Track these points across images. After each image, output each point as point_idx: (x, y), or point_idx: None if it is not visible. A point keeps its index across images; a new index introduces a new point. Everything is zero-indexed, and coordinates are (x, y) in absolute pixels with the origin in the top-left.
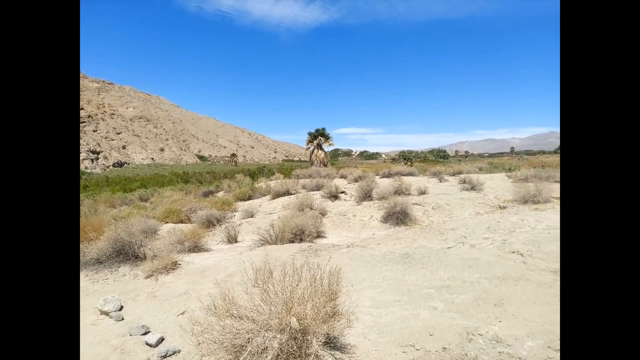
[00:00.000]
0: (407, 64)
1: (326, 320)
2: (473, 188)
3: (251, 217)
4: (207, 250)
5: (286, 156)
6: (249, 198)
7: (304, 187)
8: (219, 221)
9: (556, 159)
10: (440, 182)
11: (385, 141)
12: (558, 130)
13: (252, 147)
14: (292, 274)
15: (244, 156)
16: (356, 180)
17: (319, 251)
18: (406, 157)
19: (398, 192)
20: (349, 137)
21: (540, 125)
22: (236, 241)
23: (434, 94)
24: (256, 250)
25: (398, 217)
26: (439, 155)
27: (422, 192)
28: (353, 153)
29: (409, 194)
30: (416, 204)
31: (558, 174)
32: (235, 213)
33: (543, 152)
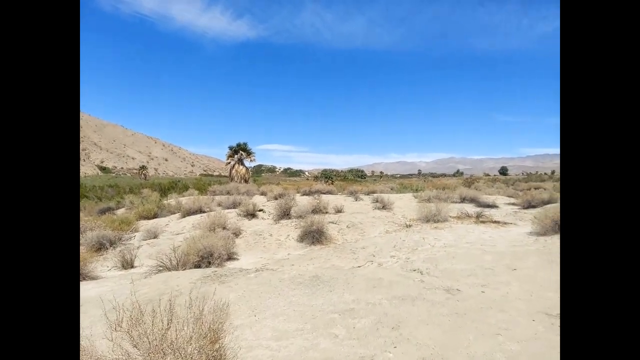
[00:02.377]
0: (331, 87)
1: None
2: (384, 207)
3: (155, 238)
4: (93, 278)
5: (205, 170)
6: (155, 216)
7: (219, 204)
8: (113, 243)
9: (454, 181)
10: (356, 200)
11: (310, 159)
12: (457, 155)
13: (166, 160)
14: (169, 311)
15: (156, 169)
16: (276, 198)
17: (224, 277)
18: (328, 175)
19: (316, 210)
20: (273, 153)
21: (443, 151)
22: (132, 267)
23: (355, 118)
24: (152, 277)
25: (314, 236)
26: (358, 175)
27: (339, 211)
28: (277, 170)
29: (327, 212)
30: (332, 222)
31: (456, 195)
32: (135, 234)
33: (444, 175)
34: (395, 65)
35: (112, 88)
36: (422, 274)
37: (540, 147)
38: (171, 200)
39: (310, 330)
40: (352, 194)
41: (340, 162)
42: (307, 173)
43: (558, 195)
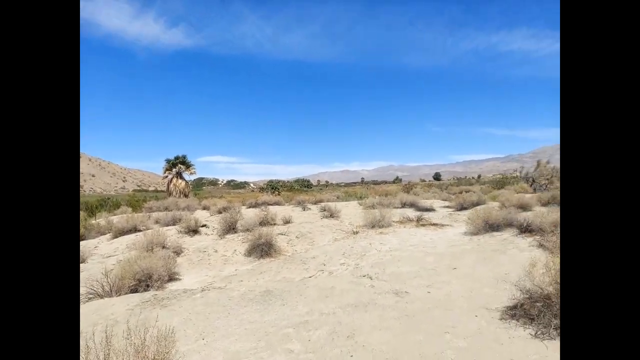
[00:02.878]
0: (274, 98)
1: None
2: (332, 215)
3: (82, 262)
4: None
5: (139, 185)
6: (82, 238)
7: (157, 221)
8: None
9: (395, 187)
10: (304, 210)
11: (255, 170)
12: (395, 163)
13: (94, 176)
14: (105, 345)
15: (82, 186)
16: (220, 212)
17: (166, 300)
18: (274, 186)
19: (264, 222)
20: (215, 165)
21: (383, 160)
22: None
23: (299, 128)
24: (82, 307)
25: (263, 249)
26: (304, 185)
27: (287, 221)
28: (219, 182)
29: (275, 224)
30: (281, 233)
31: (397, 201)
32: None
33: (385, 182)
34: (336, 78)
35: None
36: (371, 279)
37: (467, 154)
38: (100, 220)
39: (264, 348)
40: (299, 203)
41: (286, 172)
42: (252, 185)
43: (485, 197)
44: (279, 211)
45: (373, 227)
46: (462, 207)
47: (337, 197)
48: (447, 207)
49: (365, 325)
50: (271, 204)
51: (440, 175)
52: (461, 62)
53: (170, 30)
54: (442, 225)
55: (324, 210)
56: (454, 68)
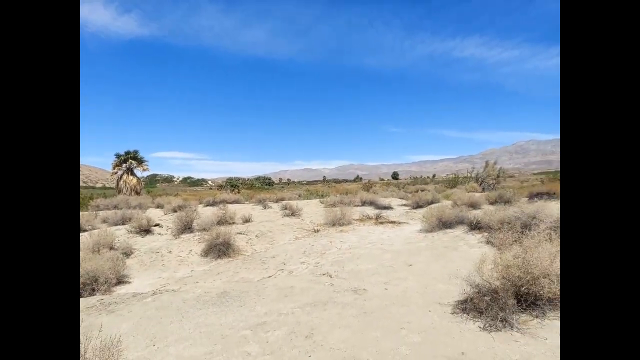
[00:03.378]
0: (234, 93)
1: None
2: (293, 214)
3: None
4: None
5: (84, 182)
6: None
7: (105, 220)
8: None
9: (355, 186)
10: (265, 209)
11: (213, 167)
12: (356, 162)
13: None
14: None
15: None
16: (175, 211)
17: (114, 305)
18: (233, 184)
19: (222, 221)
20: (171, 161)
21: (344, 159)
22: None
23: (260, 125)
24: None
25: (220, 249)
26: (265, 183)
27: (247, 220)
28: (175, 179)
29: (234, 223)
30: (240, 232)
31: (357, 199)
32: None
33: (346, 180)
34: (298, 76)
35: None
36: (331, 277)
37: (423, 155)
38: None
39: (220, 351)
40: (260, 202)
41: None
42: (210, 182)
43: (439, 196)
44: (239, 210)
45: (334, 225)
46: (417, 206)
47: (299, 196)
48: (404, 205)
49: (324, 324)
50: (230, 203)
51: (398, 175)
52: (418, 65)
53: (122, 17)
54: (400, 223)
55: (285, 208)
56: (411, 71)
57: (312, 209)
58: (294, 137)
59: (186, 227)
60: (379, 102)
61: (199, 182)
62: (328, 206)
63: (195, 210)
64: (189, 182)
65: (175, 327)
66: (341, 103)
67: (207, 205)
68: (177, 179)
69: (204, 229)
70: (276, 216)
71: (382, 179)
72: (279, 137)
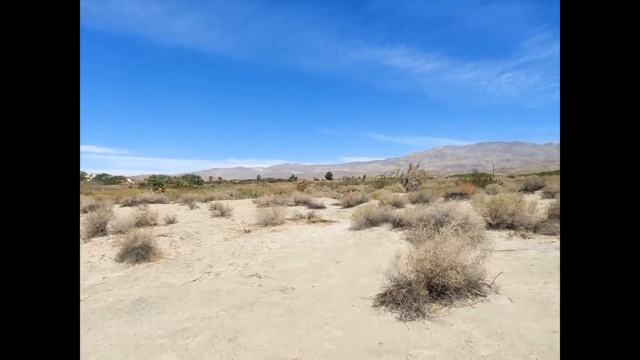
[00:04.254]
0: (159, 84)
1: None
2: (223, 214)
3: None
4: None
5: None
6: None
7: None
8: None
9: (289, 185)
10: (192, 209)
11: (134, 164)
12: (291, 162)
13: None
14: None
15: None
16: (85, 211)
17: None
18: (157, 182)
19: (142, 222)
20: (86, 157)
21: (279, 158)
22: None
23: (189, 120)
24: None
25: (139, 252)
26: (194, 181)
27: (171, 221)
28: (87, 177)
29: (156, 224)
30: (163, 234)
31: (291, 199)
32: None
33: (281, 180)
34: (232, 71)
35: None
36: (260, 277)
37: (355, 156)
38: None
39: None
40: (187, 201)
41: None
42: (130, 180)
43: (368, 195)
44: (162, 210)
45: (266, 225)
46: (348, 205)
47: (231, 195)
48: (336, 204)
49: (249, 326)
50: (152, 202)
51: (331, 175)
52: (351, 70)
53: None
54: (331, 221)
55: (215, 208)
56: (344, 75)
57: (244, 209)
58: (227, 134)
59: (98, 230)
60: (314, 103)
61: (117, 180)
62: (261, 206)
63: (109, 210)
64: (105, 179)
65: (80, 341)
66: (277, 102)
67: (125, 205)
68: (90, 175)
69: (120, 231)
70: (204, 217)
71: (317, 179)
72: (211, 134)
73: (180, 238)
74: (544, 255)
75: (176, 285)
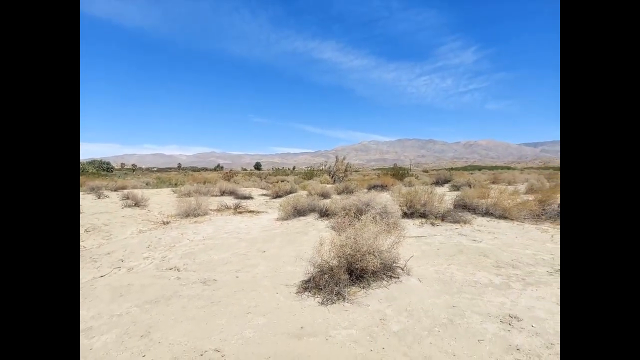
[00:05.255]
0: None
1: None
2: (137, 204)
3: None
4: None
5: None
6: None
7: None
8: None
9: (215, 175)
10: (100, 198)
11: None
12: (217, 150)
13: None
14: None
15: None
16: None
17: None
18: None
19: None
20: None
21: (204, 145)
22: None
23: (98, 98)
24: None
25: None
26: (102, 168)
27: None
28: None
29: None
30: None
31: (216, 189)
32: None
33: (206, 169)
34: (152, 49)
35: None
36: (179, 270)
37: (285, 147)
38: None
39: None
40: (93, 190)
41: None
42: None
43: (297, 186)
44: None
45: (187, 216)
46: (277, 195)
47: (147, 184)
48: (265, 195)
49: (165, 321)
50: None
51: (260, 165)
52: (282, 60)
53: None
54: (259, 212)
55: (127, 198)
56: (276, 64)
57: (163, 199)
58: (143, 117)
59: None
60: (244, 90)
61: None
62: (182, 196)
63: None
64: None
65: None
66: (204, 86)
67: None
68: None
69: None
70: (115, 207)
71: (245, 169)
72: (125, 115)
73: (85, 230)
74: (448, 240)
75: (80, 282)
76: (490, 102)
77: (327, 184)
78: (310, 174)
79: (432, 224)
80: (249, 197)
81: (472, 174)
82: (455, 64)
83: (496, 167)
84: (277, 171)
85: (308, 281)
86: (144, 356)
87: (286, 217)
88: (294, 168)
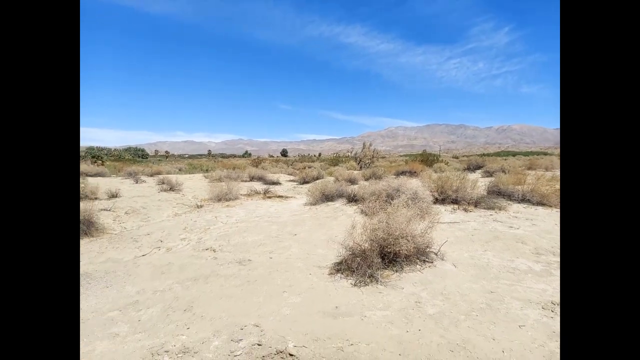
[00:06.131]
0: (98, 45)
1: None
2: (172, 189)
3: None
4: None
5: None
6: None
7: None
8: None
9: (243, 161)
10: (137, 183)
11: None
12: (245, 137)
13: None
14: None
15: None
16: None
17: None
18: (95, 154)
19: (81, 196)
20: None
21: (232, 133)
22: None
23: (133, 87)
24: None
25: (80, 228)
26: (137, 154)
27: (114, 195)
28: None
29: (97, 198)
30: (105, 209)
31: (245, 175)
32: None
33: (234, 156)
34: (180, 37)
35: None
36: (215, 251)
37: (311, 134)
38: None
39: (80, 337)
40: (131, 175)
41: (114, 138)
42: None
43: (323, 172)
44: (104, 184)
45: (219, 200)
46: (304, 181)
47: (180, 170)
48: (292, 181)
49: (204, 297)
50: (91, 175)
51: (287, 152)
52: (308, 45)
53: None
54: (287, 197)
55: (163, 183)
56: (301, 50)
57: (195, 184)
58: (175, 105)
59: None
60: (270, 77)
61: None
62: (213, 181)
63: None
64: None
65: None
66: (230, 75)
67: None
68: None
69: None
70: (151, 191)
71: (272, 156)
72: (158, 104)
73: (126, 213)
74: (483, 226)
75: (123, 261)
76: (525, 86)
77: (354, 170)
78: (336, 160)
79: (465, 210)
80: (277, 183)
81: (505, 159)
82: (487, 46)
83: (532, 153)
84: (303, 158)
85: (340, 263)
86: (188, 328)
87: (315, 202)
88: (319, 155)
